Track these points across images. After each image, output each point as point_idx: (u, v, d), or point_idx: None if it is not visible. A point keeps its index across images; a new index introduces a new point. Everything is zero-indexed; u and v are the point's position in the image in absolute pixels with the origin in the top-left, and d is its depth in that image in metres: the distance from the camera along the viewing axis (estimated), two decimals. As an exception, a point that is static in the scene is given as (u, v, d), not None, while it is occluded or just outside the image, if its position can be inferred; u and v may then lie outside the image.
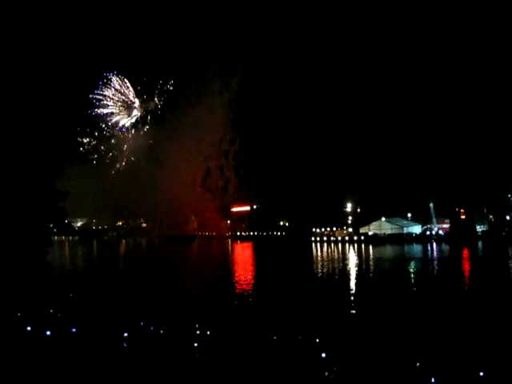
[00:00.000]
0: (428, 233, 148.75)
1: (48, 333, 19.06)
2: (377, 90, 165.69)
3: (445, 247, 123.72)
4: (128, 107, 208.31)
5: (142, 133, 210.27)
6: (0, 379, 10.98)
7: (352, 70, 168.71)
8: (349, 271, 78.20)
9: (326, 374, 14.15)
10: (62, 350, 13.89)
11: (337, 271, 78.88)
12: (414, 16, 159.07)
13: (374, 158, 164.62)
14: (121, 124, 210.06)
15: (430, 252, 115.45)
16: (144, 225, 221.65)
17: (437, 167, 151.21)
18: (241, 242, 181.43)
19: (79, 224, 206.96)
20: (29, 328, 19.97)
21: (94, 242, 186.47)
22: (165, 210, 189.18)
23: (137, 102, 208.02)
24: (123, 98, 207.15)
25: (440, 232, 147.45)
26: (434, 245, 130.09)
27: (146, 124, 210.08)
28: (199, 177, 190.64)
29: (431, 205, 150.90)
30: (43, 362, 11.91)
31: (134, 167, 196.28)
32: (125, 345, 17.24)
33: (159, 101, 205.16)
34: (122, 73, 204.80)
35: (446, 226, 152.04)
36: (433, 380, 14.33)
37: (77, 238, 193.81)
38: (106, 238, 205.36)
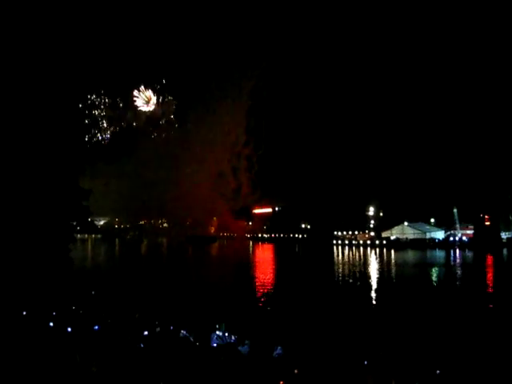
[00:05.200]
0: (451, 239, 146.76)
1: (69, 329, 19.30)
2: (402, 94, 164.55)
3: (468, 254, 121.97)
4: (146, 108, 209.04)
5: (160, 135, 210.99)
6: (22, 372, 11.18)
7: (373, 73, 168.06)
8: (370, 276, 77.77)
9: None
10: (83, 347, 14.06)
11: (358, 276, 78.40)
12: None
13: (398, 162, 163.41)
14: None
15: (452, 258, 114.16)
16: (166, 225, 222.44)
17: (461, 172, 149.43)
18: (262, 243, 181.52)
19: (102, 222, 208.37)
20: (51, 324, 20.26)
21: (116, 241, 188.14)
22: (185, 211, 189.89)
23: (153, 101, 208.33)
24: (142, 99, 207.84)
25: (463, 238, 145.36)
26: (457, 251, 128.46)
27: (164, 126, 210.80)
28: (212, 179, 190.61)
29: (455, 210, 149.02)
30: (65, 357, 12.09)
31: (155, 168, 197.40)
32: (142, 345, 17.30)
33: (176, 105, 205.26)
34: (141, 76, 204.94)
35: (469, 232, 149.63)
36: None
37: (99, 236, 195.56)
38: (128, 236, 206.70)
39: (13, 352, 12.70)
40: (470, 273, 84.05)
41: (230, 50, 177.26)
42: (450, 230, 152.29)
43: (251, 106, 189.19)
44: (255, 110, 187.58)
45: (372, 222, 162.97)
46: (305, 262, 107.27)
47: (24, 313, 23.00)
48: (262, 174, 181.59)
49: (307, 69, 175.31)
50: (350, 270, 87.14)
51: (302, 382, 13.78)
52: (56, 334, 18.12)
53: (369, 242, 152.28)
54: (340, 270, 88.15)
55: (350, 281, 73.27)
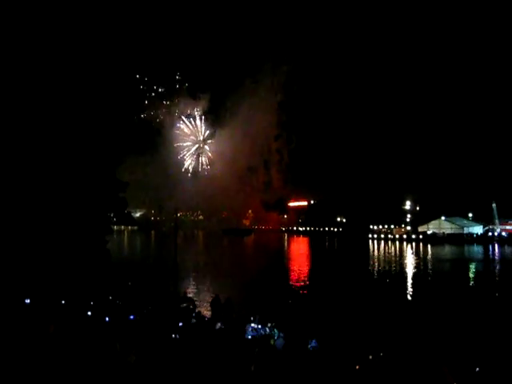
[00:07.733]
0: (490, 234, 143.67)
1: (107, 319, 19.64)
2: (443, 88, 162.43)
3: (507, 249, 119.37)
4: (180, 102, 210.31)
5: (194, 128, 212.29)
6: (64, 359, 11.39)
7: (409, 70, 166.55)
8: (407, 271, 76.90)
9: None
10: (121, 336, 14.27)
11: (394, 270, 77.62)
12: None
13: (436, 155, 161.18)
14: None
15: (491, 254, 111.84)
16: (201, 217, 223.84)
17: (500, 166, 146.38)
18: (297, 236, 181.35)
19: (138, 214, 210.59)
20: (89, 313, 20.65)
21: (152, 233, 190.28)
22: (220, 204, 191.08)
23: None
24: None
25: (503, 233, 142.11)
26: (496, 246, 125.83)
27: (199, 119, 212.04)
28: (243, 173, 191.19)
29: (494, 205, 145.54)
30: (103, 345, 12.30)
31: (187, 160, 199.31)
32: (177, 336, 17.45)
33: (211, 98, 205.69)
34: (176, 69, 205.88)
35: (509, 227, 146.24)
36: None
37: (136, 227, 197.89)
38: (164, 228, 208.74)
39: (52, 339, 12.97)
40: (509, 269, 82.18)
41: (263, 45, 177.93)
42: (489, 225, 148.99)
43: (283, 100, 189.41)
44: (287, 104, 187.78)
45: (408, 216, 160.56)
46: (340, 256, 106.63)
47: (63, 302, 23.46)
48: (296, 168, 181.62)
49: (339, 64, 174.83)
50: (386, 265, 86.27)
51: (376, 367, 13.95)
52: (94, 323, 18.44)
53: (405, 236, 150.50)
54: (376, 265, 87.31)
55: (387, 275, 72.48)
